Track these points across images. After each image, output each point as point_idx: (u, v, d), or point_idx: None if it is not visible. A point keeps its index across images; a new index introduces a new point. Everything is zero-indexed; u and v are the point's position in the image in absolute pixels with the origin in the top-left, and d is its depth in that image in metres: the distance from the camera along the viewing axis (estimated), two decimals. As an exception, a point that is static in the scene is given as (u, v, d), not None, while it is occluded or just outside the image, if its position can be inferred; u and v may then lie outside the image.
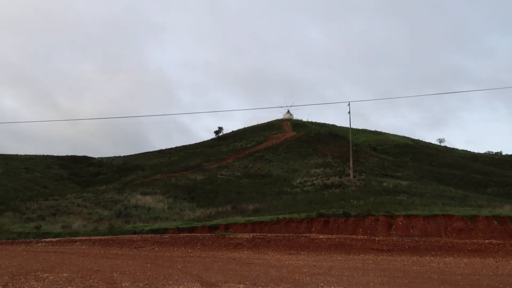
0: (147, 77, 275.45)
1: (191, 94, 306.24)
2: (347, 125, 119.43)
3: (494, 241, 13.42)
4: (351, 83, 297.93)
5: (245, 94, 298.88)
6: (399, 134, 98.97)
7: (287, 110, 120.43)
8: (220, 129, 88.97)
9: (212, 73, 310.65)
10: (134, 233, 18.07)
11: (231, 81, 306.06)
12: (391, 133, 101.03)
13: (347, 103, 40.40)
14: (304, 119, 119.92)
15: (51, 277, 9.09)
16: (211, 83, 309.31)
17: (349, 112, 40.60)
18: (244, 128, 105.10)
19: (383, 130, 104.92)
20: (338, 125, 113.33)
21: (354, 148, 57.62)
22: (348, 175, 38.18)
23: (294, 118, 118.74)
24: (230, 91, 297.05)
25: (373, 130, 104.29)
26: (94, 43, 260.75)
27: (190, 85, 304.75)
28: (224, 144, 77.33)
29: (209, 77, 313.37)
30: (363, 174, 40.04)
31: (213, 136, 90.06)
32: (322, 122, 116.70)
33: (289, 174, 44.52)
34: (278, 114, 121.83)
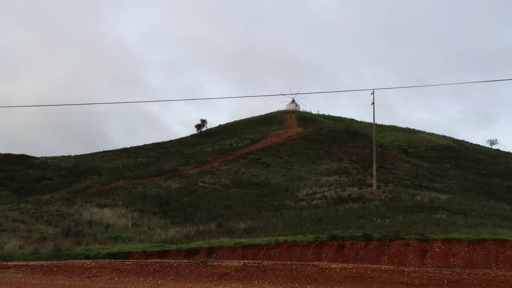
0: (103, 52, 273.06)
1: (162, 76, 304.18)
2: (370, 120, 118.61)
3: (559, 274, 13.47)
4: (373, 65, 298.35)
5: (233, 78, 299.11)
6: (438, 133, 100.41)
7: (291, 99, 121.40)
8: (203, 122, 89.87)
9: (189, 49, 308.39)
10: (87, 257, 17.95)
11: (215, 60, 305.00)
12: (427, 131, 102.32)
13: (371, 92, 40.50)
14: (314, 111, 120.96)
15: (-26, 316, 9.02)
16: (188, 62, 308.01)
17: (373, 103, 40.82)
18: (235, 122, 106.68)
19: (416, 128, 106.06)
20: (358, 119, 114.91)
21: (379, 150, 58.58)
22: (371, 185, 38.65)
23: (301, 110, 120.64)
24: (214, 73, 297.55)
25: (404, 127, 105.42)
26: (33, 7, 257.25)
27: (160, 63, 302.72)
28: (208, 142, 78.14)
29: (185, 54, 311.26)
30: (390, 184, 40.63)
31: (194, 131, 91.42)
32: (337, 115, 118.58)
33: (293, 183, 45.02)
34: (280, 105, 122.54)
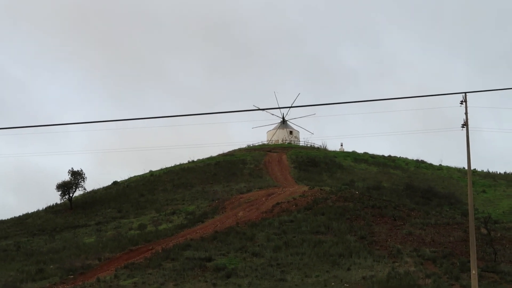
0: None
1: None
2: (459, 163, 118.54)
3: None
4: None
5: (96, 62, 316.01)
6: None
7: (280, 121, 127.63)
8: (77, 178, 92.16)
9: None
10: None
11: (42, 16, 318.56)
12: None
13: (461, 99, 45.02)
14: (333, 146, 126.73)
15: None
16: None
17: (464, 125, 45.40)
18: (151, 174, 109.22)
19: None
20: (432, 162, 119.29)
21: (485, 231, 59.97)
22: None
23: (302, 144, 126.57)
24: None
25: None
26: None
27: None
28: (88, 224, 79.51)
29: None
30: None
31: (57, 199, 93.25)
32: (384, 154, 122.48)
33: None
34: (256, 133, 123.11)
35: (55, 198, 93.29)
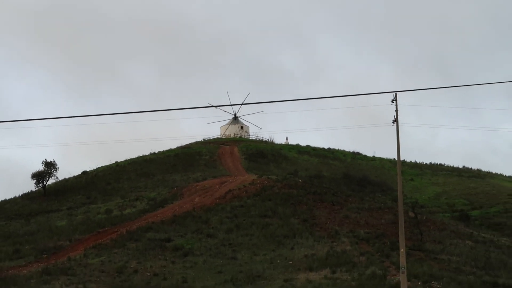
0: None
1: None
2: (390, 155, 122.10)
3: None
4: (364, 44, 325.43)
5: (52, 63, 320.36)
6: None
7: (232, 117, 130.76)
8: (50, 168, 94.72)
9: None
10: None
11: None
12: (506, 174, 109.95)
13: (391, 98, 47.12)
14: (279, 140, 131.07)
15: None
16: None
17: (394, 121, 47.54)
18: (117, 164, 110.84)
19: (483, 168, 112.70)
20: (367, 154, 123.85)
21: (412, 214, 63.47)
22: (397, 287, 42.18)
23: (252, 138, 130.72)
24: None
25: (459, 166, 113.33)
26: None
27: None
28: (60, 209, 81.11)
29: None
30: (434, 283, 44.47)
31: (32, 187, 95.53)
32: (325, 146, 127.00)
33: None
34: (210, 128, 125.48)
35: (30, 186, 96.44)
